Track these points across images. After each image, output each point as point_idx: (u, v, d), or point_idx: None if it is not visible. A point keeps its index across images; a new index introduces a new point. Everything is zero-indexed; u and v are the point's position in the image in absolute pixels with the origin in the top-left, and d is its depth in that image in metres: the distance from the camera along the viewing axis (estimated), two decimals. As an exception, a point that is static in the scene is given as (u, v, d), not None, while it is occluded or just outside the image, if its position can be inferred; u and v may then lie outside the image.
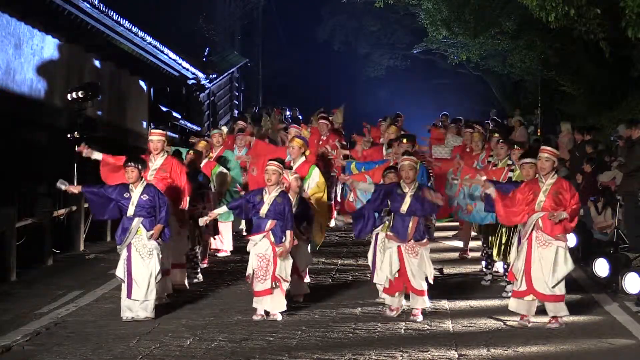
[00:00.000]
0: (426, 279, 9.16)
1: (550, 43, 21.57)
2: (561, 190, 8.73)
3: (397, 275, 9.07)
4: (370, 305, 9.58)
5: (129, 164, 9.05)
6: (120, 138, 18.65)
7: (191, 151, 11.46)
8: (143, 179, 9.16)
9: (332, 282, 11.03)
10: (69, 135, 14.63)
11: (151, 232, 8.98)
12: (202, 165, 11.75)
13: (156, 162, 10.06)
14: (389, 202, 9.17)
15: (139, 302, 8.97)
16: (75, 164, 14.76)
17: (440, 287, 10.66)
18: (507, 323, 8.83)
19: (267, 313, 9.06)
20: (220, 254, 12.78)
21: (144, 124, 20.70)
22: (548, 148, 9.00)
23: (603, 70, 20.64)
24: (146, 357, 7.66)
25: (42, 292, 10.50)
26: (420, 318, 8.96)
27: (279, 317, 9.00)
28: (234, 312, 9.32)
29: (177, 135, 22.76)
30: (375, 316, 9.16)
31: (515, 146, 10.41)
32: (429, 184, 10.68)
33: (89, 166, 15.68)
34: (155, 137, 10.16)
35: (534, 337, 8.27)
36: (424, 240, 9.16)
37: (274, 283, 8.97)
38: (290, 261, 9.12)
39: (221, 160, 12.95)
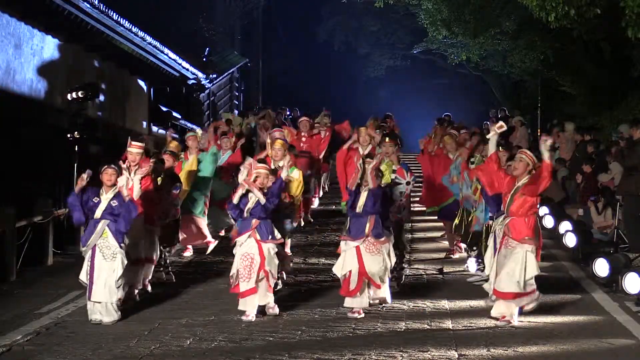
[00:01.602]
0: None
1: (550, 43, 21.56)
2: (529, 185, 8.73)
3: (355, 275, 9.18)
4: (370, 305, 9.57)
5: (112, 166, 9.07)
6: (120, 138, 18.64)
7: (168, 152, 11.38)
8: (116, 185, 9.11)
9: (331, 282, 11.02)
10: (69, 135, 14.64)
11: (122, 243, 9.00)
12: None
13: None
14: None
15: (100, 304, 8.93)
16: (75, 164, 14.76)
17: (440, 287, 10.67)
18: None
19: (260, 313, 9.08)
20: (186, 253, 12.83)
21: (144, 124, 20.71)
22: (526, 151, 9.05)
23: (603, 70, 20.64)
24: (146, 357, 7.66)
25: (42, 292, 10.50)
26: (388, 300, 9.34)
27: (277, 310, 9.03)
28: (234, 312, 9.30)
29: (177, 135, 22.74)
30: (375, 316, 9.16)
31: (500, 148, 10.39)
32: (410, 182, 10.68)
33: (89, 166, 15.74)
34: (134, 149, 10.00)
35: (534, 337, 8.27)
36: (383, 238, 9.27)
37: (259, 275, 8.99)
38: (276, 262, 9.18)
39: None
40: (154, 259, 10.25)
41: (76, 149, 14.77)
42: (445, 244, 13.52)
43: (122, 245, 9.00)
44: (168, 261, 11.25)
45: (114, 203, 8.98)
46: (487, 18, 21.68)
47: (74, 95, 14.71)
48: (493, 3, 21.49)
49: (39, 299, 10.08)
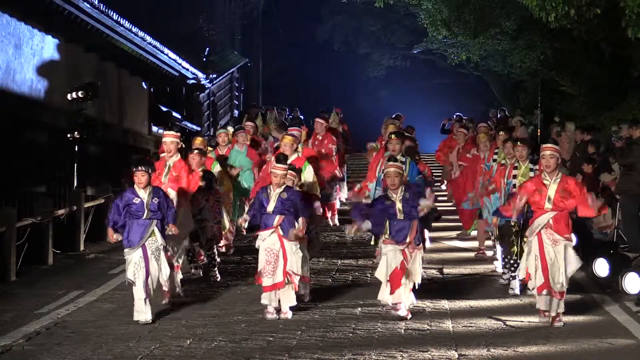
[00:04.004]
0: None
1: (550, 43, 21.57)
2: (568, 187, 8.72)
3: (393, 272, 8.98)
4: (370, 305, 9.57)
5: (140, 168, 9.02)
6: (120, 138, 18.67)
7: (195, 151, 11.30)
8: (150, 185, 9.12)
9: (332, 282, 11.03)
10: (69, 135, 14.66)
11: (168, 231, 9.09)
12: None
13: (169, 163, 10.07)
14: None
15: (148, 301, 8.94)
16: (75, 164, 14.79)
17: (440, 287, 10.66)
18: (507, 323, 8.82)
19: (278, 310, 9.09)
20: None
21: (144, 124, 20.71)
22: (550, 145, 8.96)
23: (603, 70, 20.64)
24: (146, 357, 7.66)
25: (42, 292, 10.49)
26: (403, 312, 8.90)
27: (290, 315, 9.02)
28: (234, 312, 9.32)
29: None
30: (375, 316, 9.16)
31: (519, 143, 10.37)
32: (420, 180, 10.61)
33: (89, 166, 15.78)
34: (168, 138, 10.16)
35: (534, 337, 8.27)
36: (420, 245, 9.10)
37: (286, 279, 9.02)
38: (300, 255, 9.14)
39: (225, 160, 12.98)
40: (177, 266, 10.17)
41: (76, 149, 14.81)
42: (446, 244, 13.55)
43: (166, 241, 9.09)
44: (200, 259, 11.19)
45: (155, 201, 8.99)
46: (487, 18, 21.67)
47: (74, 95, 14.74)
48: (493, 3, 21.48)
49: (39, 299, 10.08)
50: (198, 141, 12.15)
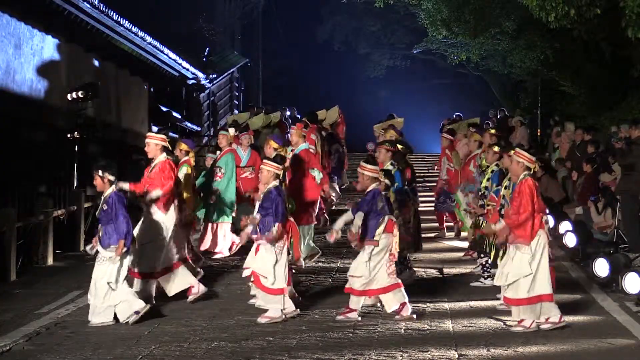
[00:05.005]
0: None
1: (550, 43, 21.58)
2: (515, 195, 8.50)
3: None
4: (370, 305, 9.56)
5: (93, 172, 8.93)
6: (120, 138, 18.67)
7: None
8: (113, 186, 8.93)
9: (332, 282, 11.03)
10: (69, 135, 14.66)
11: (110, 246, 8.79)
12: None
13: (155, 162, 9.99)
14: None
15: (91, 306, 8.84)
16: (75, 164, 14.79)
17: (440, 287, 10.67)
18: (507, 323, 8.81)
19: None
20: (216, 255, 12.77)
21: (144, 124, 20.71)
22: (521, 152, 8.68)
23: (603, 70, 20.66)
24: (146, 357, 7.66)
25: (42, 292, 10.50)
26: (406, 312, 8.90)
27: (263, 320, 8.83)
28: (234, 312, 9.32)
29: (177, 135, 22.75)
30: (375, 316, 9.16)
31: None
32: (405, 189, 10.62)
33: (89, 166, 15.76)
34: (147, 139, 10.05)
35: (534, 337, 8.27)
36: (355, 243, 8.94)
37: (250, 277, 9.01)
38: (271, 260, 8.88)
39: (217, 162, 12.93)
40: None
41: (76, 149, 14.81)
42: (445, 244, 13.54)
43: (113, 249, 8.76)
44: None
45: (105, 207, 8.86)
46: (487, 18, 21.69)
47: (74, 95, 14.75)
48: (493, 3, 21.50)
49: (39, 299, 10.08)
50: (181, 146, 11.89)
